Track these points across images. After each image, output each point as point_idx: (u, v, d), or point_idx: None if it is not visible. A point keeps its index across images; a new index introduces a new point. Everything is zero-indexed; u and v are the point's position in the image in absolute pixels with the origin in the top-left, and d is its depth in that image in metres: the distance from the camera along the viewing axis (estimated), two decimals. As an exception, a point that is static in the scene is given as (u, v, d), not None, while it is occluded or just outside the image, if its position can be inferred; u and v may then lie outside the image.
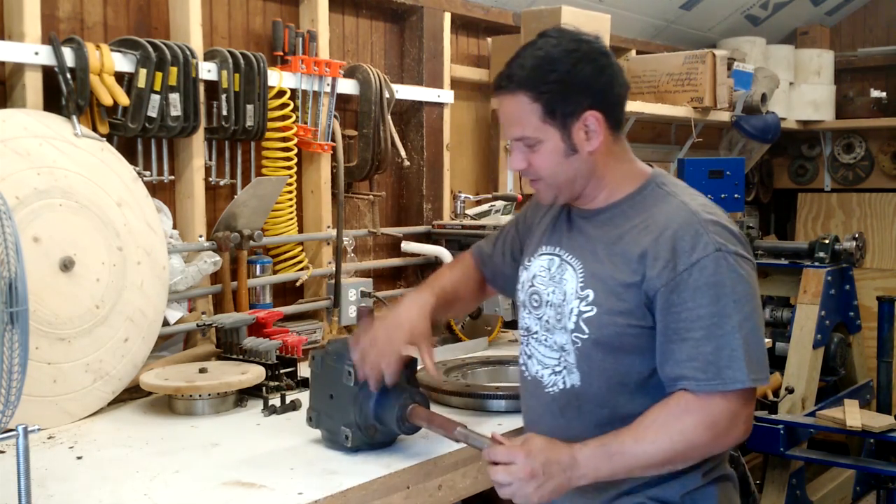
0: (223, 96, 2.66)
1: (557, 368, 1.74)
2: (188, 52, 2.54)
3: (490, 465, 1.59)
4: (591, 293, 1.68)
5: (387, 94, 3.17)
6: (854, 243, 4.17)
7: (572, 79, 1.64)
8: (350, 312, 3.08)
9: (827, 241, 4.15)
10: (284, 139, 2.90)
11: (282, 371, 2.45)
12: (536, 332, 1.79)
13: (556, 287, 1.74)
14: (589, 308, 1.67)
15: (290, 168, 2.92)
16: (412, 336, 1.84)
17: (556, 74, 1.64)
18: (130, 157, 2.49)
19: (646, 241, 1.64)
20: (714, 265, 1.59)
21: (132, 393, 2.36)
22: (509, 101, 1.69)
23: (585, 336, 1.68)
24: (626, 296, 1.64)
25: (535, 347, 1.79)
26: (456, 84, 3.63)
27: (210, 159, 2.74)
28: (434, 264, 3.42)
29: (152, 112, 2.47)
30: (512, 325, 3.13)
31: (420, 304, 1.89)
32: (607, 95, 1.69)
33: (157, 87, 2.46)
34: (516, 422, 2.14)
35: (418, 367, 1.94)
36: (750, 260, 1.66)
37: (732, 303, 1.59)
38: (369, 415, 1.86)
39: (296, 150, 2.94)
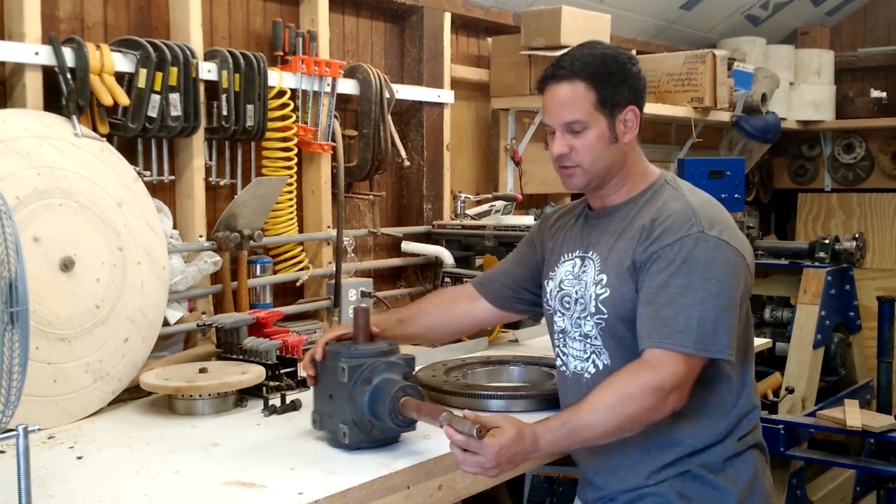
0: (223, 96, 2.66)
1: (586, 356, 1.92)
2: (188, 52, 2.54)
3: (456, 448, 1.70)
4: (604, 277, 1.87)
5: (387, 94, 3.17)
6: (854, 243, 4.17)
7: (623, 75, 1.87)
8: (350, 313, 3.08)
9: (827, 241, 4.16)
10: (284, 139, 2.90)
11: (282, 371, 2.45)
12: (569, 331, 1.96)
13: (579, 284, 1.92)
14: (603, 290, 1.86)
15: (290, 168, 2.92)
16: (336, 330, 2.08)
17: (610, 69, 1.86)
18: (130, 157, 2.49)
19: (645, 223, 1.84)
20: (693, 244, 1.77)
21: (132, 393, 2.36)
22: (564, 87, 1.86)
23: (605, 315, 1.86)
24: (630, 273, 1.83)
25: (570, 346, 1.96)
26: (456, 84, 3.64)
27: (210, 159, 2.74)
28: (434, 264, 3.42)
29: (152, 112, 2.47)
30: (512, 325, 3.13)
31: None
32: (642, 97, 1.93)
33: (158, 87, 2.46)
34: (516, 422, 2.14)
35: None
36: (735, 248, 1.80)
37: (701, 279, 1.75)
38: (364, 410, 1.89)
39: (296, 150, 2.94)
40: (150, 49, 2.45)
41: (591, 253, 1.92)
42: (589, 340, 1.90)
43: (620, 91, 1.86)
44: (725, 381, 1.86)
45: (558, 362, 2.02)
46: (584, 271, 1.91)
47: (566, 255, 1.98)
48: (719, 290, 1.75)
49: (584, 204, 2.04)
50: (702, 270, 1.75)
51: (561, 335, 1.98)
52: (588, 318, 1.88)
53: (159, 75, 2.46)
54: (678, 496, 1.84)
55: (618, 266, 1.84)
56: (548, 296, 2.01)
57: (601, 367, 1.89)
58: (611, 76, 1.85)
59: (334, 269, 3.06)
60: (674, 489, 1.84)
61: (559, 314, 1.97)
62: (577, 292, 1.91)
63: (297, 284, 3.01)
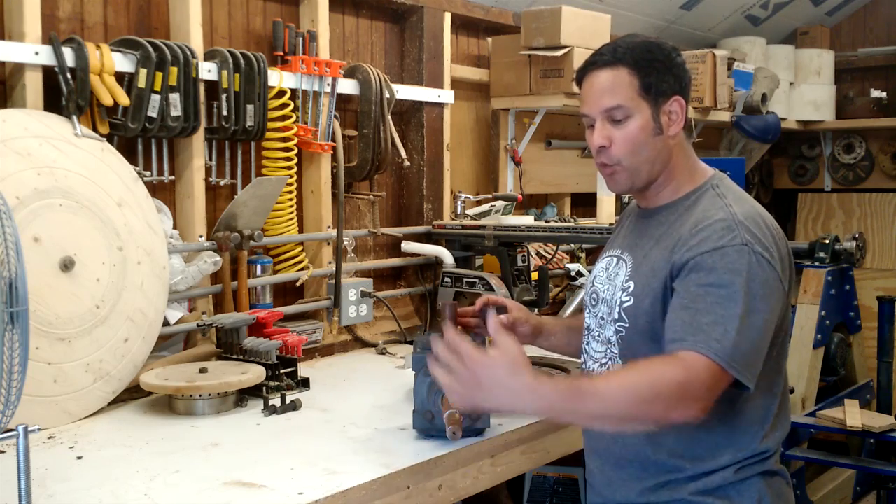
0: (223, 96, 2.66)
1: (604, 360, 1.83)
2: (188, 52, 2.54)
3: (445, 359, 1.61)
4: (632, 284, 1.76)
5: (387, 94, 3.17)
6: (854, 243, 4.16)
7: (668, 63, 1.76)
8: (350, 312, 3.09)
9: (827, 242, 4.14)
10: (284, 139, 2.90)
11: (282, 371, 2.45)
12: (592, 329, 1.88)
13: (610, 284, 1.83)
14: (628, 298, 1.76)
15: (290, 168, 2.92)
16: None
17: (654, 56, 1.75)
18: (131, 157, 2.49)
19: (683, 230, 1.72)
20: (736, 255, 1.63)
21: (132, 393, 2.36)
22: (606, 73, 1.75)
23: (627, 325, 1.76)
24: (656, 284, 1.71)
25: (590, 344, 1.89)
26: (456, 84, 3.63)
27: (210, 159, 2.74)
28: (434, 264, 3.42)
29: (152, 112, 2.47)
30: (512, 325, 3.12)
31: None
32: (687, 89, 1.81)
33: (158, 87, 2.46)
34: (517, 421, 2.15)
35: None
36: (776, 271, 1.66)
37: (743, 293, 1.61)
38: (423, 399, 1.96)
39: (296, 150, 2.94)
40: (150, 49, 2.45)
41: (624, 254, 1.84)
42: (610, 346, 1.81)
43: (665, 79, 1.75)
44: (746, 420, 1.72)
45: (581, 358, 1.95)
46: (616, 273, 1.83)
47: (608, 252, 1.92)
48: (755, 308, 1.62)
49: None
50: (743, 283, 1.61)
51: (586, 332, 1.92)
52: (611, 323, 1.79)
53: (159, 75, 2.46)
54: None
55: (648, 276, 1.74)
56: (584, 289, 2.03)
57: None
58: (655, 63, 1.75)
59: (334, 269, 3.06)
60: None
61: (587, 309, 1.91)
62: (605, 292, 1.83)
63: (297, 284, 3.01)
